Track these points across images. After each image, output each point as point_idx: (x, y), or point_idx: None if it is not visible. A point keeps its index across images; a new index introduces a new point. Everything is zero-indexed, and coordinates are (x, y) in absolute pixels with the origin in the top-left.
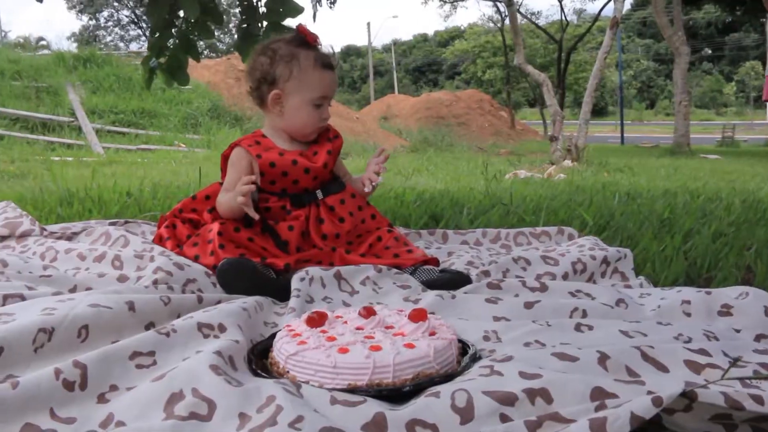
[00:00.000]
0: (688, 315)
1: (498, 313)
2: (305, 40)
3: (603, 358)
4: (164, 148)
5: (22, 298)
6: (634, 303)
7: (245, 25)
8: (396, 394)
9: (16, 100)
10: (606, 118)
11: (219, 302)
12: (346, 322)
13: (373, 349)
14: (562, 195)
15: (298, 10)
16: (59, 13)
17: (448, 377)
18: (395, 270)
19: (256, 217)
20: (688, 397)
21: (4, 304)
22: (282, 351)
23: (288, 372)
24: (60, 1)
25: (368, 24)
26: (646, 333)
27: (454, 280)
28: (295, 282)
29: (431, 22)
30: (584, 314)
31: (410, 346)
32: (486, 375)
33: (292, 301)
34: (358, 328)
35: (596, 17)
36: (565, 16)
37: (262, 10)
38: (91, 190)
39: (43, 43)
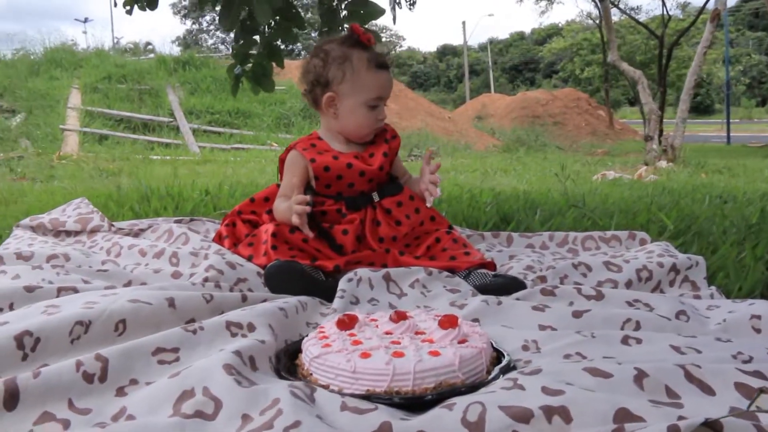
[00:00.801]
0: (758, 331)
1: (544, 322)
2: (358, 40)
3: (640, 376)
4: (257, 147)
5: (75, 291)
6: (698, 316)
7: (326, 29)
8: (415, 403)
9: (121, 102)
10: (712, 117)
11: (265, 301)
12: (377, 326)
13: (395, 356)
14: (646, 197)
15: (379, 12)
16: (167, 19)
17: (473, 388)
18: (446, 273)
19: (311, 235)
20: (711, 427)
21: (57, 296)
22: (307, 353)
23: (311, 374)
24: (167, 7)
25: (463, 23)
26: (701, 349)
27: (508, 286)
28: (342, 283)
29: (528, 19)
30: (637, 326)
31: (435, 353)
32: (508, 388)
33: (336, 302)
34: (386, 333)
35: (701, 10)
36: (666, 10)
37: (344, 13)
38: (172, 188)
39: (150, 47)
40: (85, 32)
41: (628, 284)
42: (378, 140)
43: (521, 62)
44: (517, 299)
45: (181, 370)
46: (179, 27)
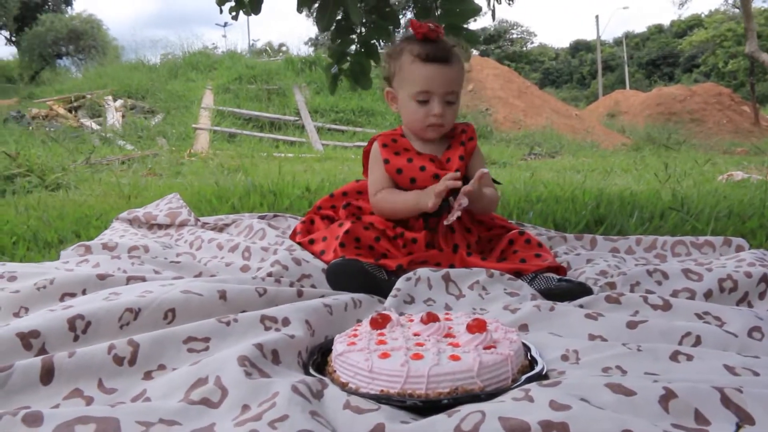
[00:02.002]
0: None
1: (595, 331)
2: (412, 33)
3: (668, 396)
4: None
5: (144, 280)
6: None
7: None
8: (428, 407)
9: (250, 101)
10: None
11: (323, 296)
12: (410, 327)
13: (414, 358)
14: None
15: (476, 11)
16: (301, 21)
17: (492, 396)
18: (509, 276)
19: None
20: None
21: (126, 284)
22: (334, 350)
23: (335, 371)
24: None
25: (596, 17)
26: (760, 372)
27: (572, 291)
28: (399, 282)
29: (666, 11)
30: (697, 341)
31: (455, 358)
32: (517, 399)
33: (389, 301)
34: (415, 334)
35: None
36: None
37: (439, 12)
38: (278, 184)
39: (284, 48)
40: (224, 36)
41: (708, 295)
42: (455, 143)
43: (659, 56)
44: (580, 306)
45: (202, 359)
46: (312, 29)
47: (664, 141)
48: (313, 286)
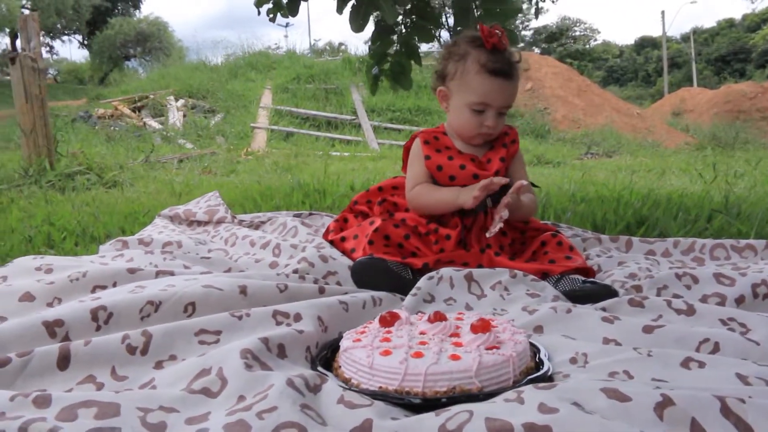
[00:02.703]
0: None
1: (610, 335)
2: (482, 40)
3: (664, 404)
4: None
5: (172, 274)
6: None
7: (459, 28)
8: (425, 405)
9: (307, 101)
10: None
11: (346, 294)
12: (418, 326)
13: (415, 356)
14: None
15: (516, 10)
16: None
17: (490, 396)
18: (532, 277)
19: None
20: None
21: (156, 278)
22: (341, 346)
23: (340, 367)
24: None
25: (662, 12)
26: None
27: (597, 293)
28: (421, 281)
29: (739, 5)
30: (715, 348)
31: (456, 357)
32: (508, 400)
33: (408, 300)
34: (421, 333)
35: None
36: None
37: (479, 12)
38: (323, 183)
39: (343, 48)
40: (286, 36)
41: (739, 300)
42: (497, 144)
43: (729, 52)
44: (602, 309)
45: (209, 351)
46: (371, 28)
47: (730, 140)
48: (338, 283)
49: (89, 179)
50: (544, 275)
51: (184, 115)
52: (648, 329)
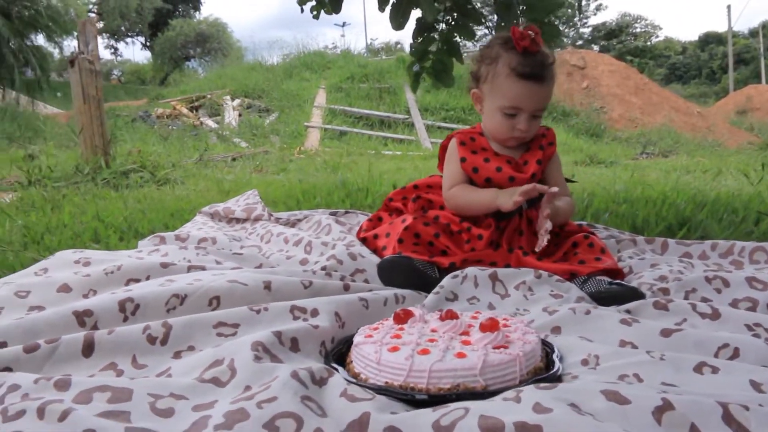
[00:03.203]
0: None
1: (627, 337)
2: (513, 43)
3: (664, 408)
4: None
5: (204, 269)
6: None
7: (503, 24)
8: (429, 402)
9: (361, 100)
10: None
11: (371, 291)
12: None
13: (421, 353)
14: None
15: (559, 5)
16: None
17: (493, 394)
18: (557, 278)
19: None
20: None
21: (187, 273)
22: (354, 342)
23: (351, 362)
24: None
25: (728, 7)
26: None
27: (622, 295)
28: (445, 280)
29: None
30: (734, 354)
31: (461, 355)
32: (507, 399)
33: (429, 298)
34: (432, 330)
35: None
36: None
37: (521, 7)
38: (367, 181)
39: (399, 47)
40: (343, 35)
41: None
42: (534, 146)
43: None
44: (626, 311)
45: (224, 343)
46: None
47: None
48: (366, 281)
49: (142, 177)
50: (572, 276)
51: (240, 115)
52: (666, 333)
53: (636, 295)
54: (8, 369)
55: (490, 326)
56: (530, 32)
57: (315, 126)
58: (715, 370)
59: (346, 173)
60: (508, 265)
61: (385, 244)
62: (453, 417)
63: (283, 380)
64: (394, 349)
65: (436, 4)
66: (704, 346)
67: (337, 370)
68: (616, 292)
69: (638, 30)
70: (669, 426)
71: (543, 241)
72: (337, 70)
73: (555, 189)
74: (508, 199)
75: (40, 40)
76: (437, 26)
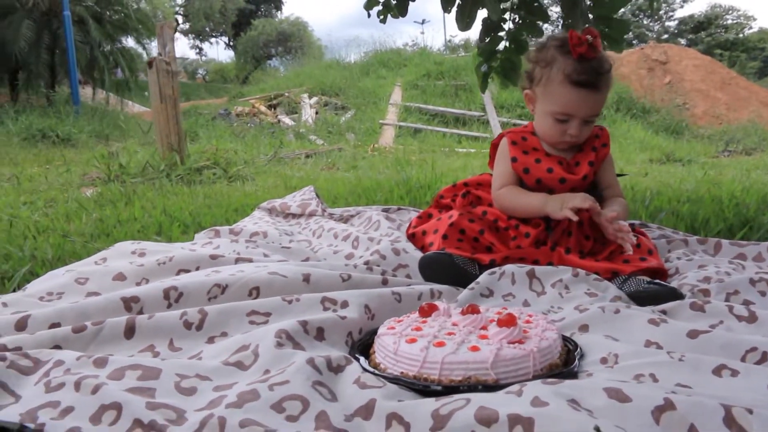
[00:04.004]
0: None
1: (653, 337)
2: (569, 47)
3: (664, 408)
4: None
5: (251, 261)
6: None
7: (568, 21)
8: (439, 393)
9: (437, 97)
10: None
11: (410, 286)
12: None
13: (436, 345)
14: None
15: (625, 0)
16: None
17: (504, 387)
18: (594, 276)
19: (575, 218)
20: None
21: (235, 264)
22: (378, 332)
23: (374, 352)
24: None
25: None
26: None
27: (660, 294)
28: (482, 276)
29: None
30: (762, 358)
31: (475, 348)
32: (509, 392)
33: (463, 294)
34: (453, 324)
35: None
36: None
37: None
38: (429, 178)
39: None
40: (422, 33)
41: None
42: (586, 147)
43: None
44: (663, 311)
45: (253, 330)
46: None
47: None
48: (408, 276)
49: (215, 173)
50: (614, 274)
51: (317, 112)
52: (693, 334)
53: (674, 295)
54: (58, 347)
55: (507, 321)
56: (588, 36)
57: (389, 123)
58: (734, 373)
59: (412, 171)
60: (550, 264)
61: (432, 240)
62: (452, 407)
63: (298, 366)
64: (412, 340)
65: (501, 4)
66: (731, 349)
67: (357, 359)
68: (654, 292)
69: (729, 22)
70: (667, 426)
71: (630, 240)
72: (413, 67)
73: (614, 213)
74: (557, 208)
75: (129, 42)
76: (504, 25)
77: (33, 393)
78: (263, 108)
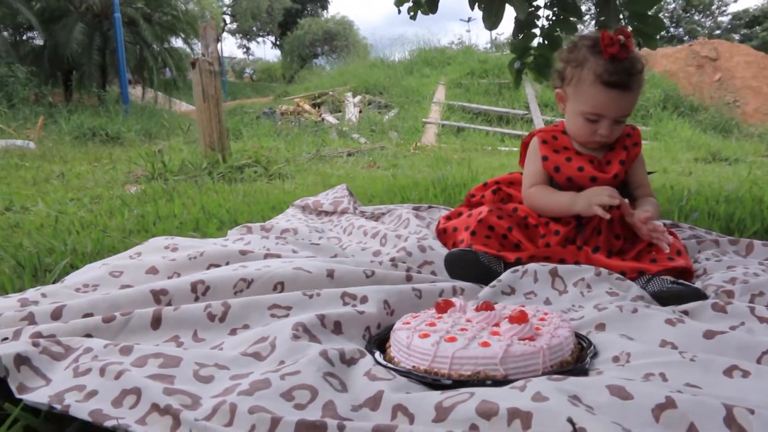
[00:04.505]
0: None
1: (668, 337)
2: (600, 48)
3: (665, 406)
4: None
5: (279, 257)
6: None
7: (602, 18)
8: (449, 386)
9: (480, 96)
10: None
11: (434, 282)
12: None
13: (448, 340)
14: None
15: None
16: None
17: (511, 383)
18: (617, 275)
19: (607, 217)
20: None
21: (264, 259)
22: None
23: (390, 346)
24: None
25: None
26: None
27: (683, 295)
28: (505, 274)
29: None
30: None
31: (485, 344)
32: (513, 387)
33: (485, 291)
34: (467, 320)
35: None
36: None
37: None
38: (465, 177)
39: None
40: (468, 30)
41: None
42: (617, 146)
43: None
44: (684, 312)
45: (272, 323)
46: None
47: None
48: (433, 272)
49: (256, 171)
50: (640, 274)
51: (360, 111)
52: (709, 335)
53: (697, 295)
54: (89, 335)
55: (519, 318)
56: (620, 36)
57: (432, 122)
58: (746, 374)
59: (450, 169)
60: (577, 262)
61: (463, 237)
62: (456, 399)
63: (310, 357)
64: (425, 335)
65: (530, 2)
66: (747, 350)
67: (372, 353)
68: (677, 292)
69: None
70: (667, 424)
71: (667, 239)
72: (457, 66)
73: (648, 214)
74: (586, 205)
75: (178, 42)
76: (537, 22)
77: (62, 377)
78: (307, 107)
